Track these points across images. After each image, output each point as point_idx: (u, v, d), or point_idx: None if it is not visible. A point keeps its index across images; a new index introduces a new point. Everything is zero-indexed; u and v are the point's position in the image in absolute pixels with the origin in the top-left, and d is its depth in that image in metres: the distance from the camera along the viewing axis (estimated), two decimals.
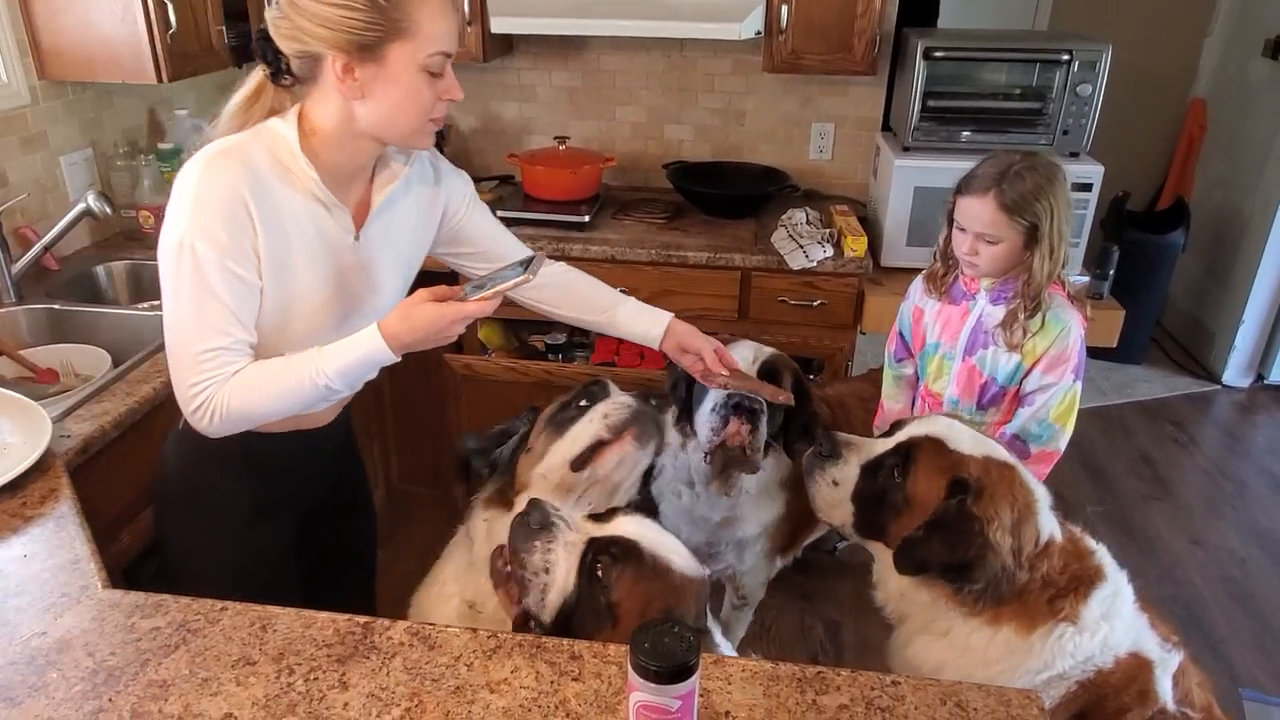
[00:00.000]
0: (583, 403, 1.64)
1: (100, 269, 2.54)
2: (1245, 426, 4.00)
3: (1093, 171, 2.71)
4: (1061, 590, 1.45)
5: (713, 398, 1.85)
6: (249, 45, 2.78)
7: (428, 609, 1.63)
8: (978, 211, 1.81)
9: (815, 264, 2.70)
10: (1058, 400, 1.89)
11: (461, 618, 1.54)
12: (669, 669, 0.94)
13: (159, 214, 2.65)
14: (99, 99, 2.69)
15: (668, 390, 2.06)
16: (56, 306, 2.25)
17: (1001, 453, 1.53)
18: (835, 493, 1.57)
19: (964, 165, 2.68)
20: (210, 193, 1.26)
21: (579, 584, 1.22)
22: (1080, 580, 1.47)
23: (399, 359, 1.33)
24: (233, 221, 1.26)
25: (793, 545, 2.29)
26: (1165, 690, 1.47)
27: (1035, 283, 1.83)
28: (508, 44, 3.23)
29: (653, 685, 0.94)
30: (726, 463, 1.93)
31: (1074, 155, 2.81)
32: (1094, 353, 2.10)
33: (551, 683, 1.13)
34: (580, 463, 1.59)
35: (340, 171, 1.38)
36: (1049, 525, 1.48)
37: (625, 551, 1.22)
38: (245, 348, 1.32)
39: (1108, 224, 4.26)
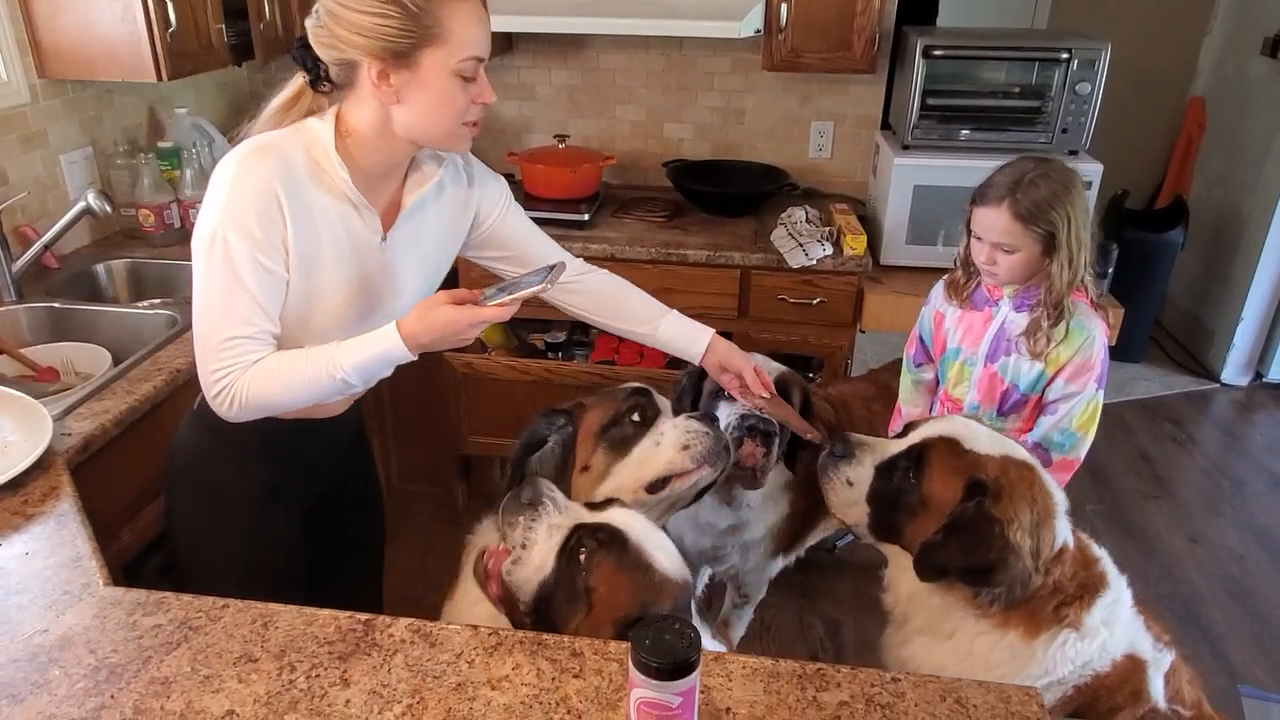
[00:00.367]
0: (635, 417, 1.61)
1: (100, 267, 2.54)
2: (1244, 425, 4.00)
3: (1092, 170, 2.71)
4: (1069, 597, 1.45)
5: (727, 416, 1.84)
6: (248, 43, 2.79)
7: (457, 619, 1.64)
8: (993, 221, 1.80)
9: (815, 262, 2.70)
10: (1081, 409, 1.88)
11: (493, 622, 1.56)
12: (670, 666, 0.94)
13: (159, 212, 2.69)
14: (99, 97, 2.68)
15: (673, 401, 2.06)
16: (57, 305, 2.25)
17: (1020, 452, 1.51)
18: (850, 493, 1.56)
19: (964, 163, 2.70)
20: (245, 187, 1.30)
21: (558, 566, 1.24)
22: (1087, 588, 1.46)
23: (415, 358, 1.36)
24: (265, 216, 1.30)
25: (795, 545, 2.29)
26: (1157, 689, 1.47)
27: (1056, 290, 1.81)
28: (507, 42, 3.23)
29: (654, 682, 0.95)
30: (730, 478, 1.91)
31: (1073, 153, 2.82)
32: None
33: (553, 679, 1.13)
34: (657, 486, 1.58)
35: (372, 173, 1.41)
36: (1064, 531, 1.47)
37: (610, 539, 1.24)
38: (268, 338, 1.36)
39: (1107, 222, 4.26)
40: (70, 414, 1.74)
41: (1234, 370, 4.24)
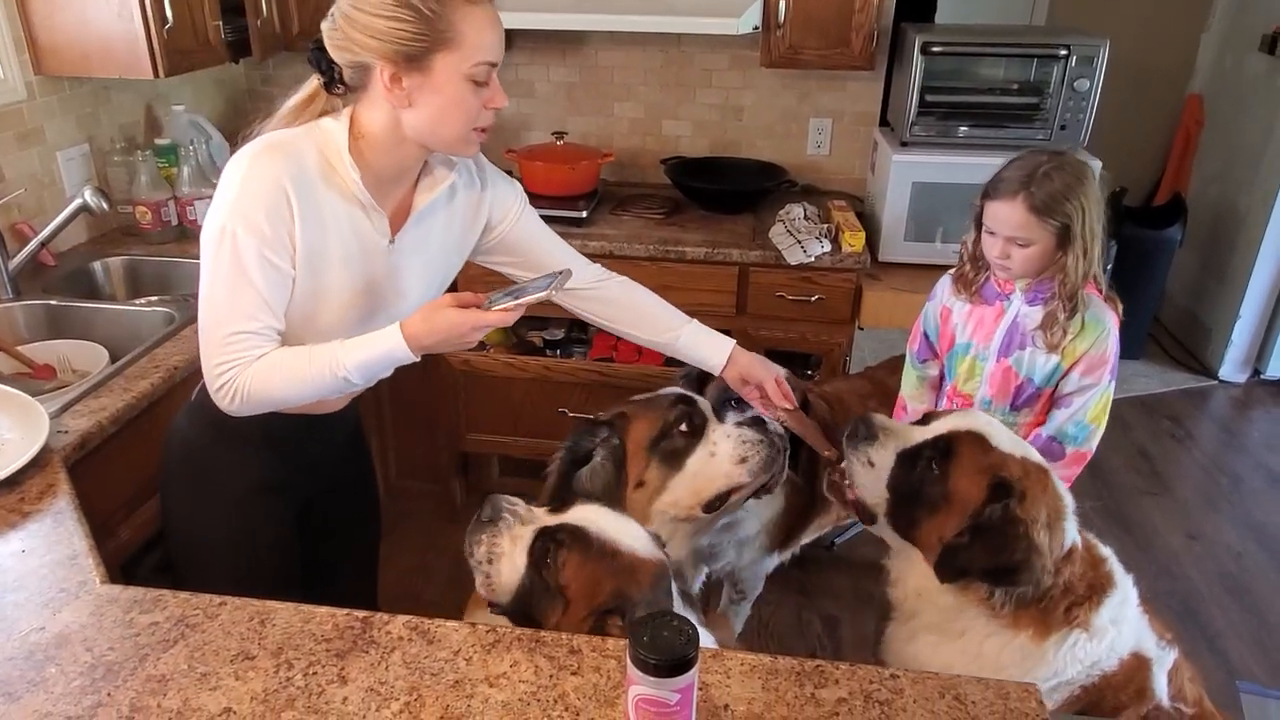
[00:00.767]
0: (683, 427, 1.59)
1: (97, 264, 2.54)
2: (1242, 421, 4.00)
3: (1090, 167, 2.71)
4: (1080, 598, 1.44)
5: (733, 420, 1.82)
6: (246, 40, 2.78)
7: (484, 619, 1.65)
8: (1007, 215, 1.79)
9: (813, 259, 2.69)
10: (1095, 401, 1.88)
11: None
12: (668, 662, 0.94)
13: (156, 210, 2.68)
14: (95, 94, 2.68)
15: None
16: (53, 302, 2.25)
17: (1035, 453, 1.51)
18: (871, 474, 1.53)
19: (962, 160, 2.70)
20: (255, 184, 1.30)
21: (529, 570, 1.27)
22: (1095, 588, 1.46)
23: (417, 359, 1.37)
24: (274, 212, 1.31)
25: (791, 541, 2.29)
26: (1161, 688, 1.47)
27: (1071, 283, 1.80)
28: (506, 38, 3.22)
29: (652, 679, 0.94)
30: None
31: (1072, 150, 2.81)
32: None
33: (550, 677, 1.13)
34: (715, 504, 1.58)
35: (383, 176, 1.42)
36: (1072, 531, 1.46)
37: (572, 536, 1.26)
38: (273, 334, 1.37)
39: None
40: (67, 411, 1.74)
41: (1232, 367, 4.24)
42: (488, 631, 1.21)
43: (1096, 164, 2.73)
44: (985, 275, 1.95)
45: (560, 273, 1.45)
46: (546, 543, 1.26)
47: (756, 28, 2.83)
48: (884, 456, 1.53)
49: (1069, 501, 1.49)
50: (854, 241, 2.72)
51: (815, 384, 2.52)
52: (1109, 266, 2.95)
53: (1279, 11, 4.00)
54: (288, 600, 1.26)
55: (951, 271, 2.05)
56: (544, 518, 1.32)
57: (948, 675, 1.16)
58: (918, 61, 2.79)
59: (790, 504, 2.15)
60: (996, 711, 1.10)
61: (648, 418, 1.64)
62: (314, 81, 1.42)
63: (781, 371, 1.77)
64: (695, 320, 1.78)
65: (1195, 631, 2.70)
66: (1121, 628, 1.45)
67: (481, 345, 2.96)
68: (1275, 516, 3.29)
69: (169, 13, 2.40)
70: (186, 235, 2.72)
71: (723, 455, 1.58)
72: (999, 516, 1.40)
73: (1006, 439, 1.50)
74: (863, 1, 2.76)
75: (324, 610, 1.24)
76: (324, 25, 1.35)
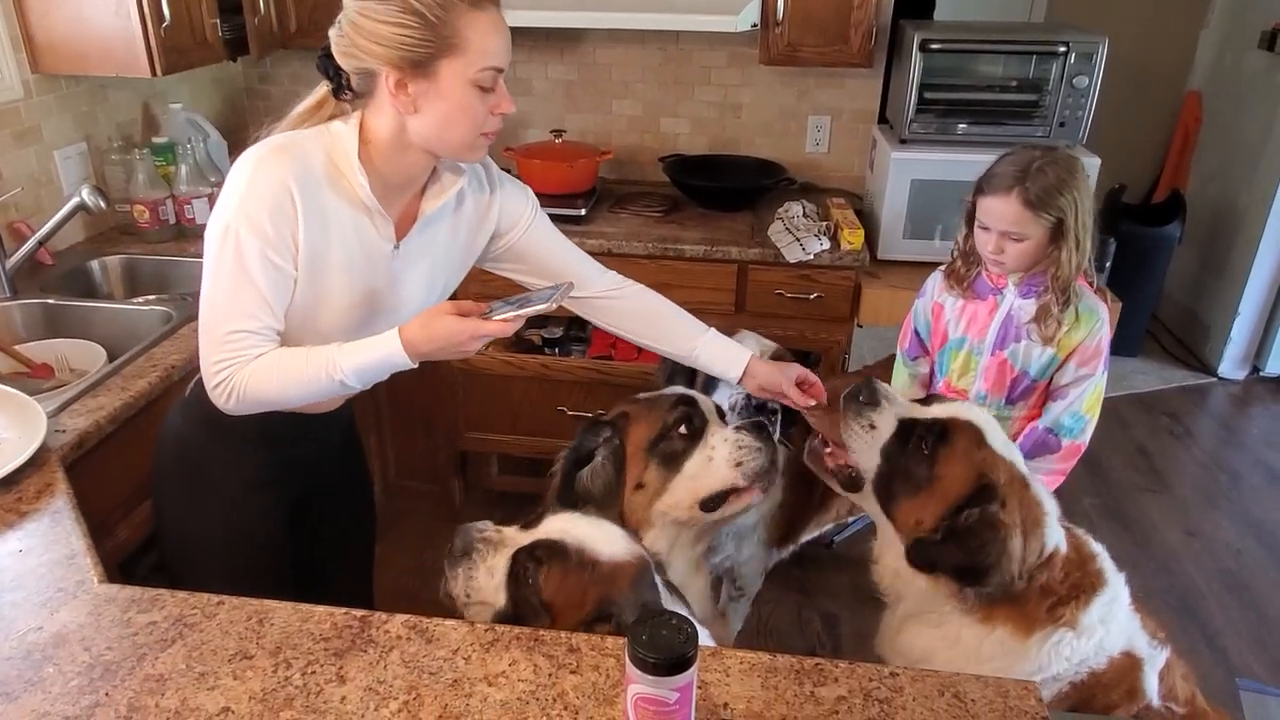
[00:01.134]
0: (682, 430, 1.58)
1: (95, 263, 2.54)
2: (1240, 418, 4.01)
3: (1089, 164, 2.70)
4: (1062, 598, 1.44)
5: (729, 399, 1.84)
6: (243, 38, 2.78)
7: None
8: (1002, 210, 1.80)
9: (812, 257, 2.69)
10: (1090, 392, 1.90)
11: None
12: (667, 661, 0.93)
13: (153, 208, 2.68)
14: (93, 93, 2.67)
15: (662, 384, 2.06)
16: (51, 301, 2.24)
17: (1021, 461, 1.51)
18: (869, 436, 1.53)
19: (961, 158, 2.70)
20: (261, 186, 1.30)
21: (511, 595, 1.26)
22: (1081, 588, 1.45)
23: (415, 365, 1.36)
24: (278, 212, 1.31)
25: (790, 537, 2.29)
26: (1152, 687, 1.47)
27: (1064, 276, 1.82)
28: None
29: (650, 677, 0.94)
30: None
31: (1070, 147, 2.81)
32: None
33: (549, 675, 1.13)
34: (712, 504, 1.57)
35: (391, 182, 1.42)
36: (1055, 537, 1.46)
37: (549, 552, 1.25)
38: (272, 334, 1.37)
39: (1103, 216, 4.25)
40: (65, 410, 1.73)
41: (1231, 364, 4.24)
42: (486, 630, 1.20)
43: (1095, 161, 2.73)
44: (977, 270, 1.96)
45: (563, 285, 1.44)
46: (525, 564, 1.25)
47: (755, 25, 2.82)
48: (885, 421, 1.52)
49: (1050, 507, 1.49)
50: (853, 239, 2.72)
51: None
52: (1108, 264, 2.95)
53: (1277, 8, 4.00)
54: (281, 600, 1.26)
55: (942, 268, 2.06)
56: (517, 537, 1.31)
57: (947, 673, 1.16)
58: (916, 59, 2.79)
59: (789, 498, 2.15)
60: (996, 709, 1.10)
61: (648, 419, 1.62)
62: (323, 88, 1.42)
63: (798, 372, 1.75)
64: (712, 330, 1.77)
65: (1194, 629, 2.70)
66: (1110, 626, 1.45)
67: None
68: (1274, 513, 3.29)
69: (166, 11, 2.39)
70: (184, 234, 2.72)
71: (719, 459, 1.57)
72: (978, 520, 1.40)
73: (1000, 440, 1.50)
74: None
75: (322, 609, 1.23)
76: (331, 32, 1.35)
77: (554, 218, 2.85)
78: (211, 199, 2.68)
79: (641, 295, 1.77)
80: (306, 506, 1.68)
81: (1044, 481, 1.85)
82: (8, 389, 1.69)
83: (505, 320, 1.35)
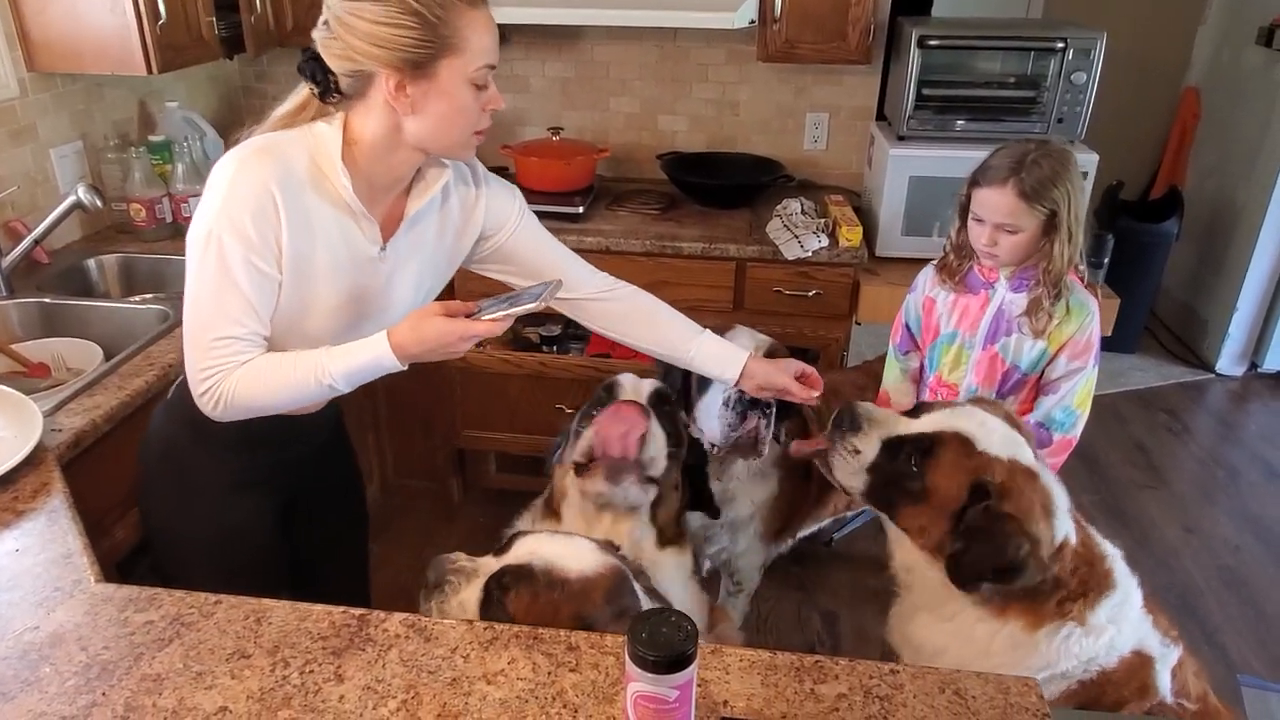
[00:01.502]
0: (594, 411, 1.60)
1: (91, 262, 2.53)
2: (1239, 414, 4.01)
3: (1087, 160, 2.71)
4: (1072, 593, 1.44)
5: (723, 392, 1.84)
6: (239, 36, 2.77)
7: None
8: (997, 202, 1.81)
9: (810, 254, 2.69)
10: (1081, 386, 1.91)
11: None
12: (666, 659, 0.93)
13: (150, 207, 2.67)
14: (89, 91, 2.66)
15: (659, 377, 2.06)
16: (47, 300, 2.23)
17: (1028, 455, 1.49)
18: (854, 461, 1.54)
19: (959, 154, 2.69)
20: (242, 189, 1.28)
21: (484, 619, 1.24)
22: (1090, 586, 1.45)
23: (404, 368, 1.35)
24: (260, 217, 1.29)
25: (787, 530, 2.29)
26: (1164, 684, 1.47)
27: (1056, 269, 1.84)
28: (501, 34, 3.21)
29: (650, 675, 0.94)
30: (734, 449, 1.93)
31: (1069, 144, 2.81)
32: None
33: (549, 674, 1.13)
34: (580, 472, 1.57)
35: (376, 183, 1.40)
36: (1065, 528, 1.46)
37: (515, 578, 1.24)
38: (258, 339, 1.35)
39: (1101, 213, 4.25)
40: (61, 410, 1.73)
41: (1229, 360, 4.24)
42: (485, 629, 1.20)
43: (1093, 157, 2.73)
44: (969, 264, 1.97)
45: (552, 283, 1.43)
46: (493, 592, 1.25)
47: (753, 22, 2.82)
48: (868, 444, 1.53)
49: (1060, 496, 1.48)
50: (851, 236, 2.72)
51: None
52: (1106, 260, 2.95)
53: (1276, 4, 4.00)
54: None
55: (934, 262, 2.07)
56: (490, 565, 1.30)
57: (947, 670, 1.16)
58: (914, 55, 2.79)
59: (784, 490, 2.15)
60: (996, 706, 1.10)
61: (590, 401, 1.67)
62: (304, 90, 1.39)
63: (797, 367, 1.74)
64: (707, 331, 1.74)
65: (1193, 625, 2.70)
66: (1121, 626, 1.45)
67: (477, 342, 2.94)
68: (1272, 509, 3.30)
69: (162, 8, 2.38)
70: (181, 232, 2.67)
71: (586, 433, 1.57)
72: (980, 517, 1.40)
73: (997, 440, 1.47)
74: None
75: (320, 608, 1.23)
76: (316, 34, 1.32)
77: (551, 216, 2.89)
78: None
79: (634, 296, 1.74)
80: (296, 508, 1.66)
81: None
82: (4, 388, 1.68)
83: (495, 320, 1.34)
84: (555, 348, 3.00)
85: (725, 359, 1.72)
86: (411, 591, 2.61)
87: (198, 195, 2.78)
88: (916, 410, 1.59)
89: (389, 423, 3.06)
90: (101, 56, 2.42)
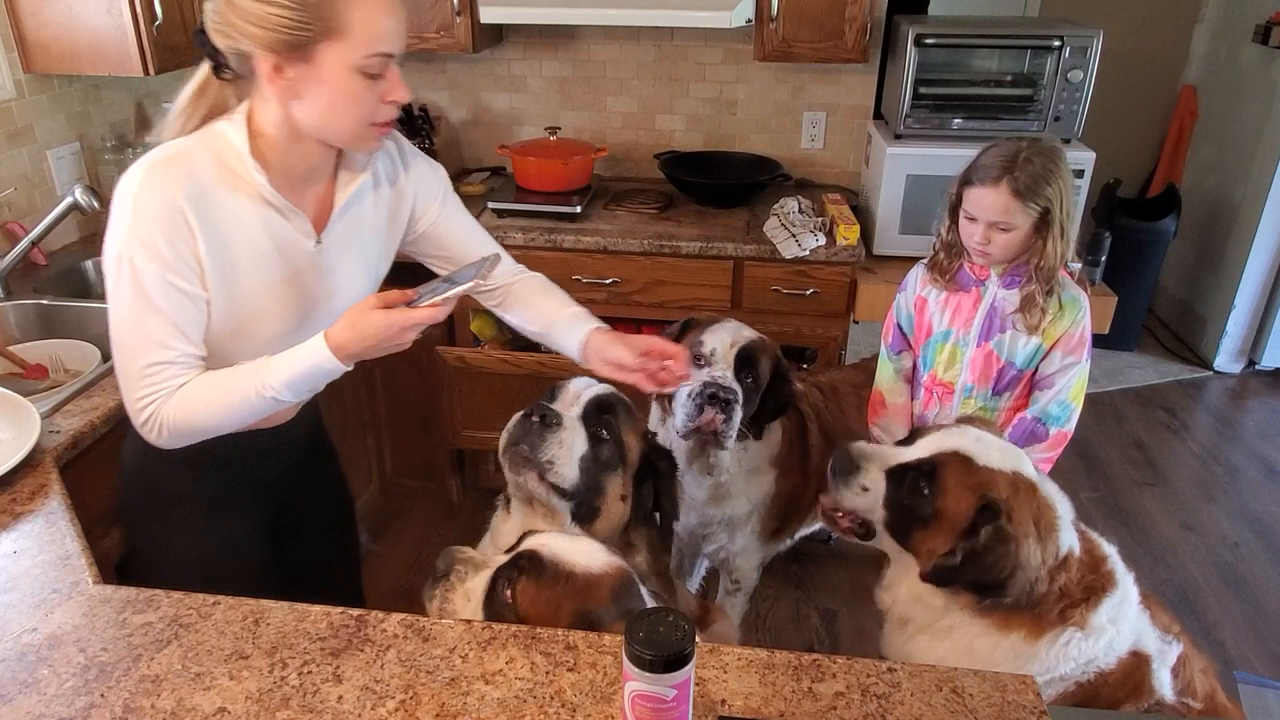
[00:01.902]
0: (533, 418, 1.58)
1: (88, 263, 2.52)
2: (1237, 412, 4.01)
3: (1084, 158, 2.71)
4: (1075, 600, 1.45)
5: (688, 385, 1.89)
6: None
7: None
8: (991, 200, 1.82)
9: (808, 253, 2.69)
10: (1076, 380, 1.93)
11: None
12: (664, 658, 0.93)
13: None
14: (86, 92, 2.66)
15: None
16: (45, 301, 2.23)
17: (1028, 467, 1.51)
18: (868, 498, 1.55)
19: (956, 152, 2.69)
20: (148, 206, 1.23)
21: (487, 610, 1.24)
22: (1093, 590, 1.47)
23: (349, 368, 1.30)
24: (172, 232, 1.23)
25: (785, 529, 2.29)
26: (1163, 682, 1.47)
27: (1048, 265, 1.85)
28: (497, 34, 3.21)
29: (648, 674, 0.94)
30: (700, 441, 1.99)
31: (1066, 142, 2.81)
32: None
33: (546, 673, 1.13)
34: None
35: (292, 174, 1.34)
36: (1069, 540, 1.47)
37: (524, 567, 1.24)
38: (192, 360, 1.30)
39: (1099, 211, 4.26)
40: (59, 411, 1.72)
41: (1227, 357, 4.25)
42: (483, 629, 1.20)
43: (1090, 155, 2.73)
44: (959, 262, 1.98)
45: (488, 258, 1.38)
46: (501, 579, 1.25)
47: (749, 21, 2.82)
48: (874, 479, 1.54)
49: (1063, 510, 1.49)
50: (848, 235, 2.72)
51: (810, 375, 2.52)
52: (1103, 258, 2.95)
53: (1272, 2, 4.00)
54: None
55: (924, 261, 2.07)
56: (496, 559, 1.30)
57: (945, 668, 1.16)
58: (911, 54, 2.79)
59: (781, 488, 2.16)
60: (994, 704, 1.10)
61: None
62: (205, 67, 1.32)
63: (646, 344, 1.58)
64: (576, 307, 1.64)
65: (1192, 622, 2.70)
66: (1120, 626, 1.45)
67: (475, 341, 2.95)
68: (1271, 506, 3.30)
69: (158, 9, 2.38)
70: None
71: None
72: (988, 538, 1.41)
73: (995, 454, 1.49)
74: None
75: (318, 609, 1.23)
76: (207, 7, 1.24)
77: (549, 215, 2.90)
78: None
79: (532, 278, 1.68)
80: (282, 520, 1.63)
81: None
82: (2, 390, 1.68)
83: (434, 305, 1.28)
84: None
85: (573, 332, 1.60)
86: (411, 591, 2.61)
87: None
88: (911, 437, 1.61)
89: (388, 423, 3.06)
90: (98, 58, 2.41)
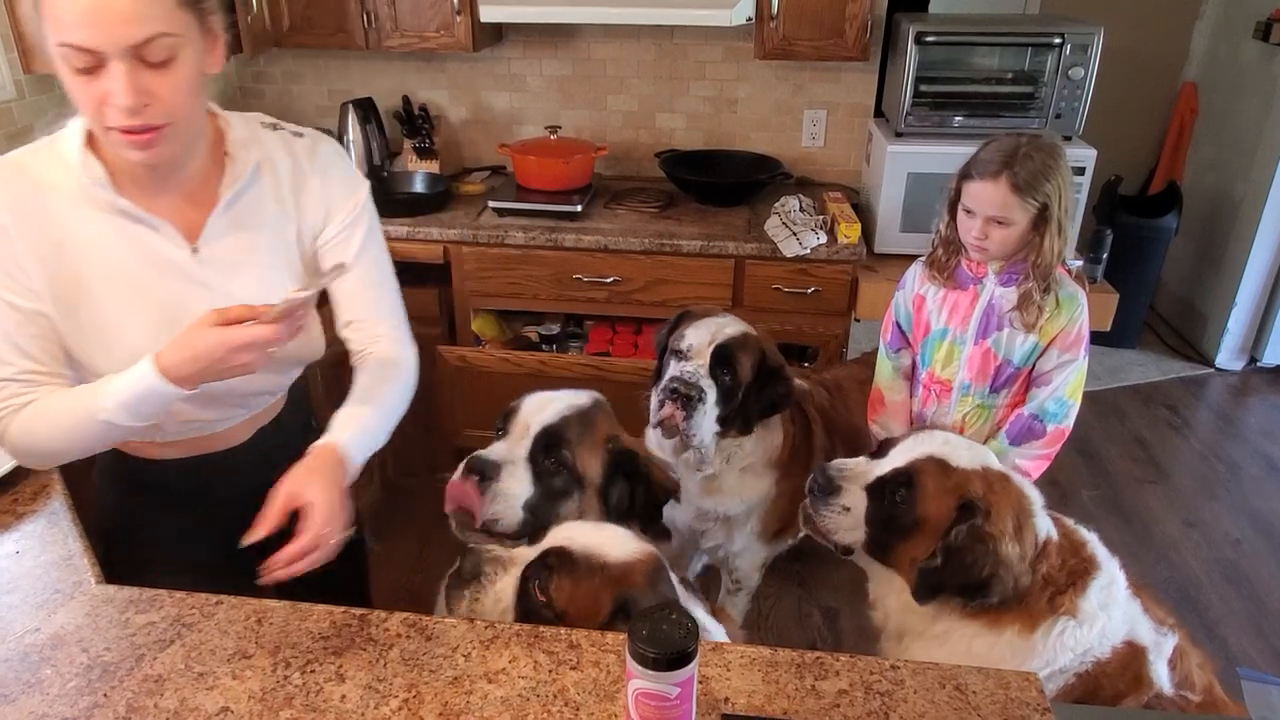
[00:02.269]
0: (499, 430, 1.54)
1: None
2: (1238, 409, 4.01)
3: (1085, 155, 2.71)
4: (1062, 586, 1.46)
5: (661, 380, 1.94)
6: (236, 36, 2.76)
7: None
8: (990, 195, 1.82)
9: (809, 251, 2.69)
10: (1074, 377, 1.93)
11: None
12: (667, 656, 0.93)
13: None
14: None
15: (658, 341, 2.13)
16: None
17: (994, 460, 1.54)
18: (848, 518, 1.56)
19: (957, 150, 2.68)
20: None
21: (520, 610, 1.22)
22: (1077, 574, 1.48)
23: (191, 391, 1.16)
24: None
25: (785, 530, 2.29)
26: (1160, 674, 1.47)
27: (1045, 262, 1.85)
28: (497, 33, 3.21)
29: (651, 673, 0.94)
30: (664, 432, 2.01)
31: (1066, 139, 2.81)
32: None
33: (550, 672, 1.13)
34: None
35: (139, 176, 1.20)
36: (1044, 526, 1.49)
37: (557, 562, 1.21)
38: (40, 378, 1.20)
39: (1100, 208, 4.26)
40: None
41: (1228, 355, 4.24)
42: (486, 627, 1.20)
43: (1091, 153, 2.73)
44: (957, 259, 1.98)
45: (337, 266, 1.29)
46: (533, 578, 1.22)
47: (750, 19, 2.82)
48: (855, 498, 1.55)
49: (1035, 498, 1.52)
50: (849, 233, 2.72)
51: (813, 373, 2.52)
52: (1105, 255, 2.95)
53: None
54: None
55: (922, 259, 2.08)
56: (525, 554, 1.27)
57: (948, 665, 1.16)
58: (912, 52, 2.78)
59: (783, 490, 2.15)
60: (997, 701, 1.10)
61: None
62: None
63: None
64: (360, 411, 1.49)
65: (1194, 619, 2.70)
66: (1111, 611, 1.46)
67: (477, 340, 2.95)
68: (1273, 503, 3.30)
69: None
70: None
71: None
72: (966, 536, 1.43)
73: (965, 454, 1.52)
74: None
75: (321, 608, 1.23)
76: None
77: (549, 214, 2.89)
78: None
79: (378, 361, 1.52)
80: (269, 545, 1.58)
81: (1028, 468, 1.89)
82: None
83: (272, 320, 1.13)
84: (555, 347, 3.00)
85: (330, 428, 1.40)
86: (413, 590, 2.61)
87: None
88: (881, 449, 1.62)
89: None
90: None
